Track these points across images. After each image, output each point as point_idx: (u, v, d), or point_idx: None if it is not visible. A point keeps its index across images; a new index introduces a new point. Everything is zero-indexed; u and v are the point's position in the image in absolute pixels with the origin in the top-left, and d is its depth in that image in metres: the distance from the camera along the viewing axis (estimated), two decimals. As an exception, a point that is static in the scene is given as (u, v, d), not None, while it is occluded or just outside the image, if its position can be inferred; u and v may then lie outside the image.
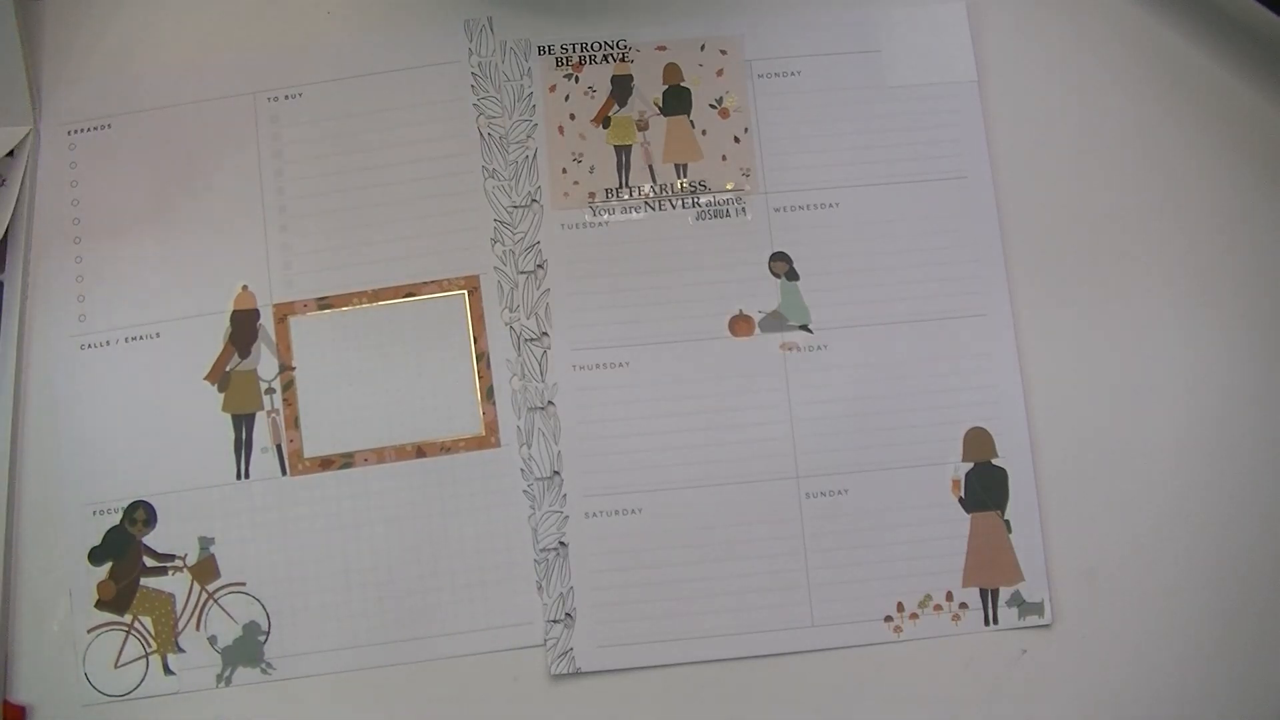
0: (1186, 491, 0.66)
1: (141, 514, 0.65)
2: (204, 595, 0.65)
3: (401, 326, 0.67)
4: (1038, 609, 0.65)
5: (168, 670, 0.64)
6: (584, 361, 0.66)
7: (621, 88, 0.69)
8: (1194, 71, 0.70)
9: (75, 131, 0.68)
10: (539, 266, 0.67)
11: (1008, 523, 0.65)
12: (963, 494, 0.65)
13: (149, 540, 0.65)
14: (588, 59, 0.69)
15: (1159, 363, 0.67)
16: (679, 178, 0.68)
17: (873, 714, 0.64)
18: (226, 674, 0.64)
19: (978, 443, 0.66)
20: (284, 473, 0.66)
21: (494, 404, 0.66)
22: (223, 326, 0.67)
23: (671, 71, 0.69)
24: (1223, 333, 0.67)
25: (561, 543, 0.65)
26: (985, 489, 0.66)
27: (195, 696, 0.64)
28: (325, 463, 0.66)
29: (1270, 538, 0.65)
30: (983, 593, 0.65)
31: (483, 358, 0.66)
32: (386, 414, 0.66)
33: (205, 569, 0.65)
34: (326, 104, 0.68)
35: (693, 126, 0.69)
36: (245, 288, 0.67)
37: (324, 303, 0.67)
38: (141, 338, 0.67)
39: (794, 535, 0.65)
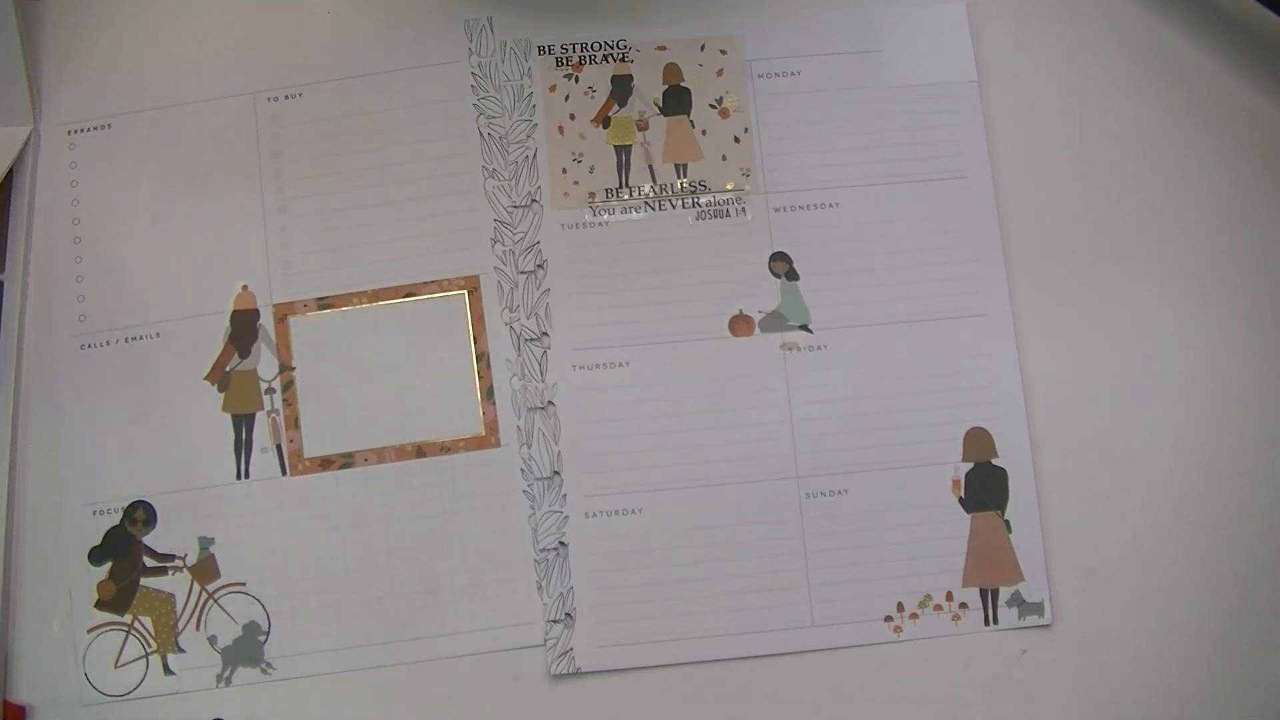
0: (1186, 491, 0.66)
1: (141, 514, 0.65)
2: (204, 595, 0.65)
3: (401, 326, 0.67)
4: (1038, 609, 0.65)
5: (168, 670, 0.64)
6: (584, 361, 0.66)
7: (621, 88, 0.69)
8: (1194, 71, 0.70)
9: (75, 131, 0.68)
10: (539, 266, 0.67)
11: (1008, 523, 0.65)
12: (963, 494, 0.65)
13: (149, 540, 0.65)
14: (588, 59, 0.69)
15: (1159, 363, 0.67)
16: (679, 178, 0.68)
17: (873, 714, 0.64)
18: (226, 674, 0.64)
19: (978, 443, 0.66)
20: (284, 473, 0.66)
21: (494, 404, 0.66)
22: (223, 326, 0.67)
23: (671, 71, 0.69)
24: (1223, 333, 0.67)
25: (561, 543, 0.65)
26: (985, 489, 0.66)
27: (195, 696, 0.64)
28: (325, 463, 0.66)
29: (1270, 538, 0.65)
30: (983, 593, 0.65)
31: (483, 358, 0.66)
32: (386, 414, 0.66)
33: (205, 569, 0.65)
34: (326, 104, 0.68)
35: (693, 126, 0.69)
36: (245, 288, 0.67)
37: (324, 303, 0.67)
38: (141, 338, 0.67)
39: (794, 535, 0.65)
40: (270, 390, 0.66)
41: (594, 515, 0.65)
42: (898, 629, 0.65)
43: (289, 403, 0.66)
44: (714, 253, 0.67)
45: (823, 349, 0.66)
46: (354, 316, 0.67)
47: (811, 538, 0.65)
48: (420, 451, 0.66)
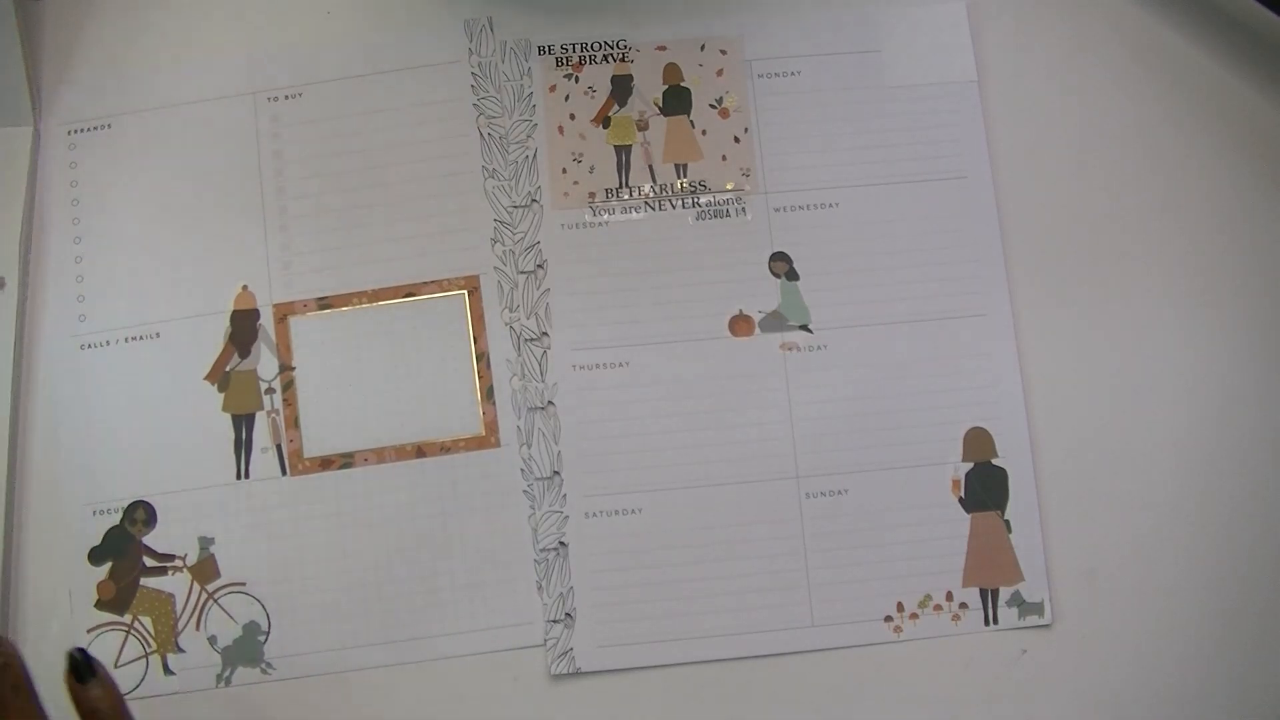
0: (1186, 491, 0.66)
1: (141, 514, 0.65)
2: (204, 595, 0.65)
3: (401, 326, 0.67)
4: (1038, 609, 0.65)
5: (168, 670, 0.64)
6: (584, 361, 0.66)
7: (621, 88, 0.69)
8: (1194, 71, 0.70)
9: (75, 131, 0.68)
10: (539, 266, 0.67)
11: (1008, 523, 0.65)
12: (963, 494, 0.65)
13: (149, 540, 0.65)
14: (588, 59, 0.69)
15: (1159, 363, 0.67)
16: (679, 178, 0.68)
17: (873, 714, 0.64)
18: (226, 674, 0.64)
19: (978, 443, 0.66)
20: (284, 473, 0.66)
21: (494, 404, 0.66)
22: (223, 326, 0.67)
23: (671, 71, 0.69)
24: (1223, 333, 0.67)
25: (561, 543, 0.65)
26: (985, 489, 0.66)
27: (195, 696, 0.64)
28: (325, 463, 0.66)
29: (1270, 538, 0.65)
30: (983, 593, 0.65)
31: (483, 358, 0.66)
32: (386, 414, 0.66)
33: (205, 569, 0.65)
34: (326, 104, 0.68)
35: (693, 126, 0.69)
36: (245, 288, 0.67)
37: (324, 303, 0.67)
38: (141, 338, 0.67)
39: (794, 535, 0.65)
40: (270, 390, 0.66)
41: (594, 515, 0.65)
42: (898, 629, 0.65)
43: (289, 403, 0.66)
44: (714, 253, 0.67)
45: (823, 349, 0.66)
46: (354, 316, 0.67)
47: (811, 538, 0.65)
48: (420, 451, 0.66)
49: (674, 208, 0.68)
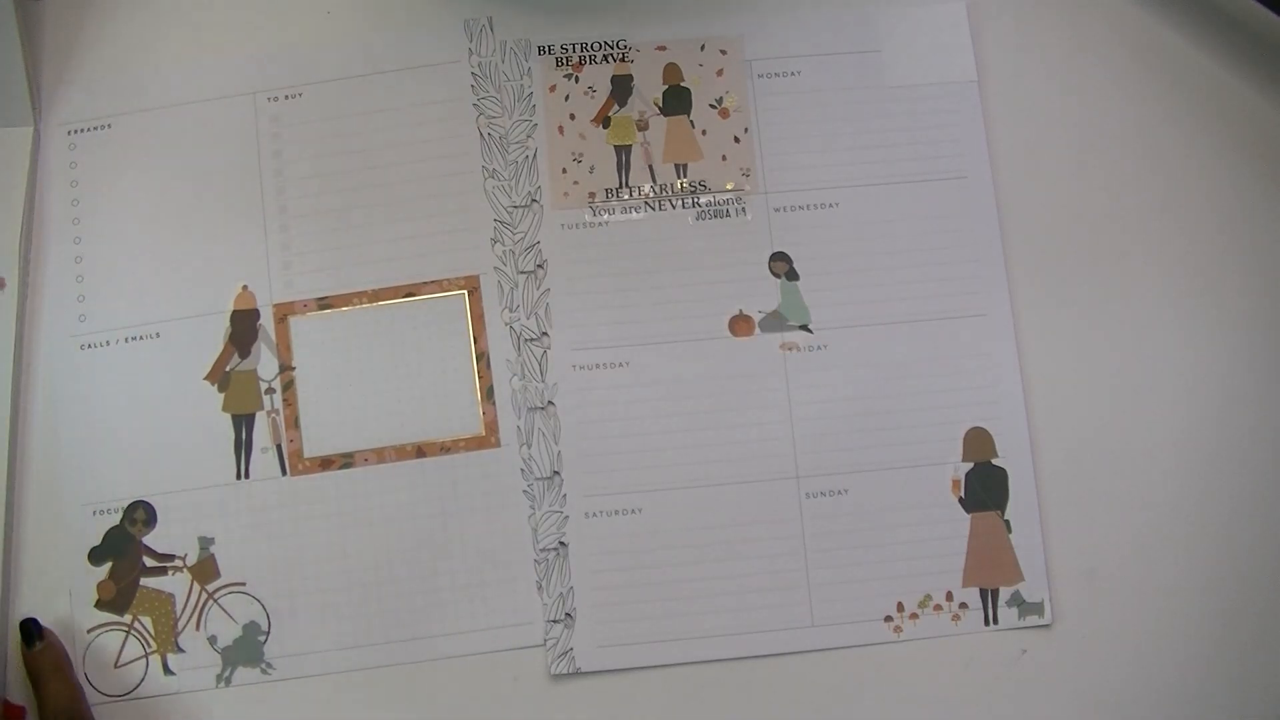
0: (1186, 491, 0.66)
1: (141, 514, 0.65)
2: (204, 595, 0.65)
3: (401, 326, 0.67)
4: (1038, 609, 0.65)
5: (168, 670, 0.64)
6: (584, 361, 0.66)
7: (621, 88, 0.69)
8: (1194, 71, 0.70)
9: (75, 131, 0.68)
10: (539, 266, 0.67)
11: (1008, 523, 0.65)
12: (963, 494, 0.65)
13: (149, 540, 0.65)
14: (588, 59, 0.69)
15: (1159, 363, 0.67)
16: (679, 178, 0.68)
17: (873, 714, 0.64)
18: (226, 674, 0.64)
19: (978, 443, 0.66)
20: (284, 473, 0.66)
21: (494, 404, 0.66)
22: (223, 326, 0.67)
23: (671, 71, 0.69)
24: (1223, 333, 0.67)
25: (561, 543, 0.65)
26: (985, 489, 0.66)
27: (195, 696, 0.64)
28: (325, 463, 0.66)
29: (1270, 538, 0.65)
30: (983, 593, 0.65)
31: (483, 358, 0.66)
32: (386, 414, 0.66)
33: (205, 569, 0.65)
34: (326, 104, 0.68)
35: (693, 126, 0.69)
36: (245, 288, 0.67)
37: (324, 303, 0.67)
38: (141, 338, 0.67)
39: (794, 535, 0.65)
40: (270, 390, 0.66)
41: (594, 515, 0.65)
42: (898, 629, 0.65)
43: (289, 403, 0.66)
44: (714, 253, 0.67)
45: (823, 349, 0.66)
46: (354, 316, 0.67)
47: (811, 538, 0.65)
48: (420, 451, 0.66)
49: (674, 208, 0.68)
